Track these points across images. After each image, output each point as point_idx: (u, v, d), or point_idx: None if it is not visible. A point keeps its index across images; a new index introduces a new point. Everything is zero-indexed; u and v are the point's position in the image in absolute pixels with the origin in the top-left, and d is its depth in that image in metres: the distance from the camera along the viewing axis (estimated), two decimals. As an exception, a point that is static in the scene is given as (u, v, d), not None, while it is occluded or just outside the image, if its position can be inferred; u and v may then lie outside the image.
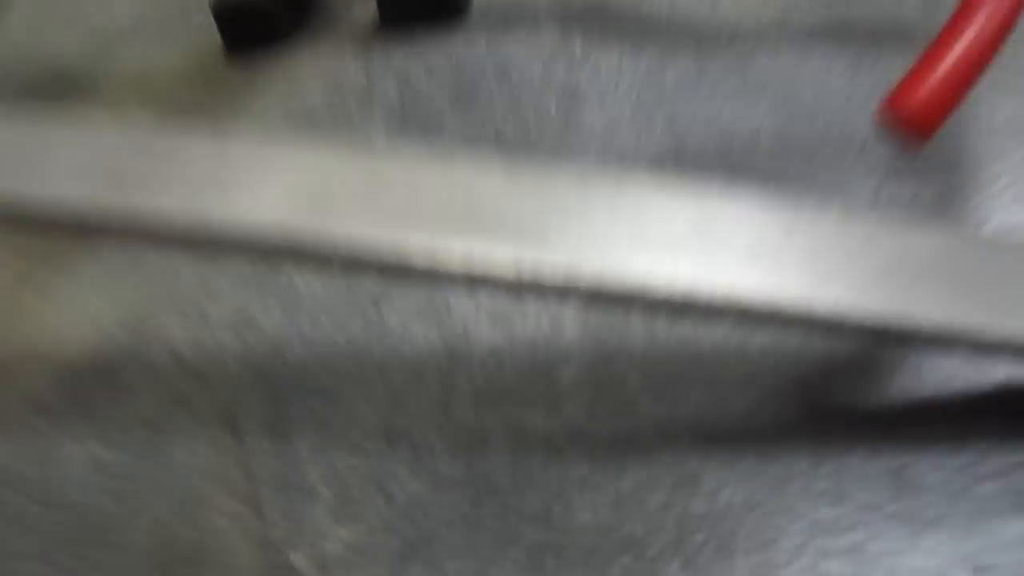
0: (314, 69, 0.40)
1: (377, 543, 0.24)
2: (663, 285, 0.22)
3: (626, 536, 0.24)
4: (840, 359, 0.27)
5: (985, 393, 0.25)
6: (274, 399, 0.29)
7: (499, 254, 0.22)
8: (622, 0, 0.39)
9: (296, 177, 0.23)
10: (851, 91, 0.33)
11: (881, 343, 0.26)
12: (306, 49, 0.41)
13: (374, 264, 0.23)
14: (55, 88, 0.44)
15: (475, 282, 0.23)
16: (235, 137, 0.25)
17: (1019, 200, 0.29)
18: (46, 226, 0.25)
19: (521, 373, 0.28)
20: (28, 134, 0.26)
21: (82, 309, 0.31)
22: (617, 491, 0.24)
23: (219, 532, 0.25)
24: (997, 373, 0.25)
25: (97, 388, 0.29)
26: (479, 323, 0.29)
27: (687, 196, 0.24)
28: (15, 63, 0.47)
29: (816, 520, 0.23)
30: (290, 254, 0.23)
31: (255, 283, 0.31)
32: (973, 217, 0.30)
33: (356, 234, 0.23)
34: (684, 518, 0.24)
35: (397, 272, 0.23)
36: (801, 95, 0.33)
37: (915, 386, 0.26)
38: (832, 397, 0.26)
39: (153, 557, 0.25)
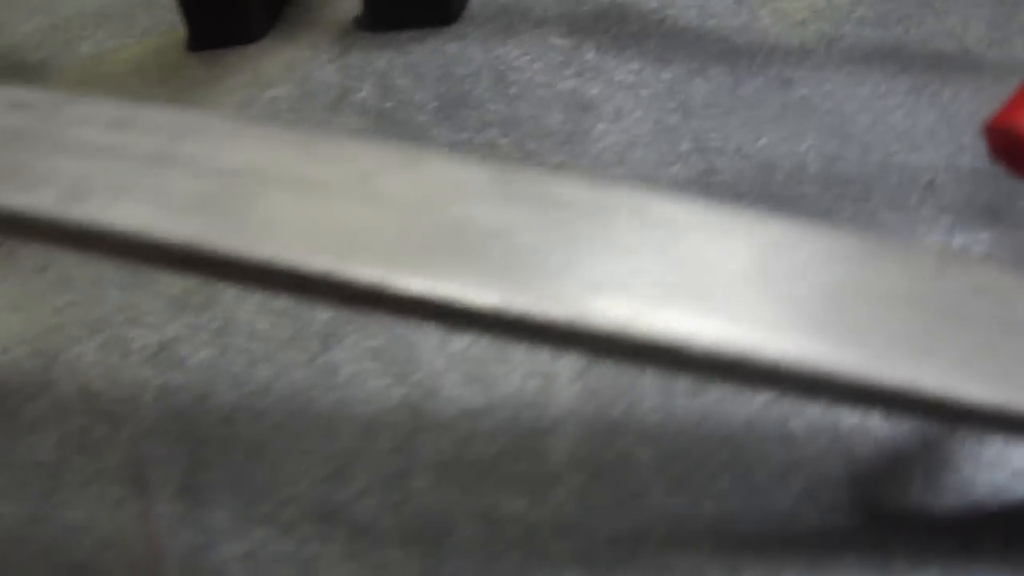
0: (283, 67, 0.35)
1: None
2: (686, 340, 0.17)
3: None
4: (911, 445, 0.21)
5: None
6: (193, 452, 0.23)
7: (476, 289, 0.17)
8: (643, 5, 0.33)
9: (209, 167, 0.17)
10: (913, 121, 0.28)
11: (967, 427, 0.21)
12: (278, 46, 0.36)
13: (300, 288, 0.18)
14: (6, 77, 0.39)
15: (444, 322, 0.18)
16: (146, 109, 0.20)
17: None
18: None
19: (499, 444, 0.22)
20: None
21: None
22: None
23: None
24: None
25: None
26: (450, 376, 0.23)
27: (725, 223, 0.18)
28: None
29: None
30: (196, 268, 0.18)
31: (190, 312, 0.26)
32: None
33: (283, 248, 0.17)
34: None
35: (338, 302, 0.18)
36: (854, 122, 0.28)
37: (1007, 483, 0.20)
38: (898, 494, 0.21)
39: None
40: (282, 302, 0.26)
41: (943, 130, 0.28)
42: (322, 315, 0.25)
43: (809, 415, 0.21)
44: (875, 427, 0.21)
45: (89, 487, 0.23)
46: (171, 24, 0.39)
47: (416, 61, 0.33)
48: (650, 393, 0.22)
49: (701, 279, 0.17)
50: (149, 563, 0.21)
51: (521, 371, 0.23)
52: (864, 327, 0.17)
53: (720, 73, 0.30)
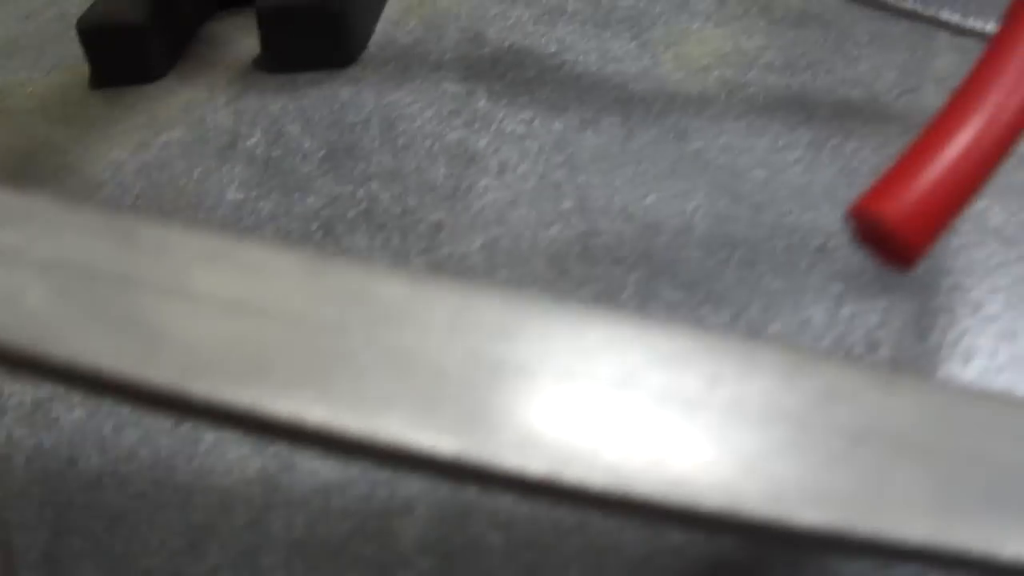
0: (180, 109, 0.34)
1: None
2: (521, 466, 0.15)
3: None
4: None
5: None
6: (57, 517, 0.22)
7: (271, 398, 0.16)
8: (543, 49, 0.32)
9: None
10: (810, 178, 0.26)
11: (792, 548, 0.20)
12: (177, 87, 0.35)
13: (108, 393, 0.17)
14: None
15: (247, 432, 0.17)
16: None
17: (1006, 337, 0.23)
18: None
19: (351, 523, 0.21)
20: None
21: None
22: None
23: None
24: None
25: None
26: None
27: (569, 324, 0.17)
28: None
29: None
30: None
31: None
32: (950, 355, 0.23)
33: (89, 353, 0.16)
34: None
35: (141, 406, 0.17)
36: (748, 179, 0.27)
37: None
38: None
39: None
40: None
41: (841, 188, 0.26)
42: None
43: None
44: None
45: None
46: (78, 58, 0.38)
47: (308, 106, 0.32)
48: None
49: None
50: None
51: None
52: (700, 441, 0.16)
53: (613, 124, 0.28)
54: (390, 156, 0.29)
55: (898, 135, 0.28)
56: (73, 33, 0.41)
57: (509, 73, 0.31)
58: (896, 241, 0.17)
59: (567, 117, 0.29)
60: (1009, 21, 0.19)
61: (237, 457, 0.23)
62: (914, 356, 0.23)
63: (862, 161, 0.27)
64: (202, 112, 0.33)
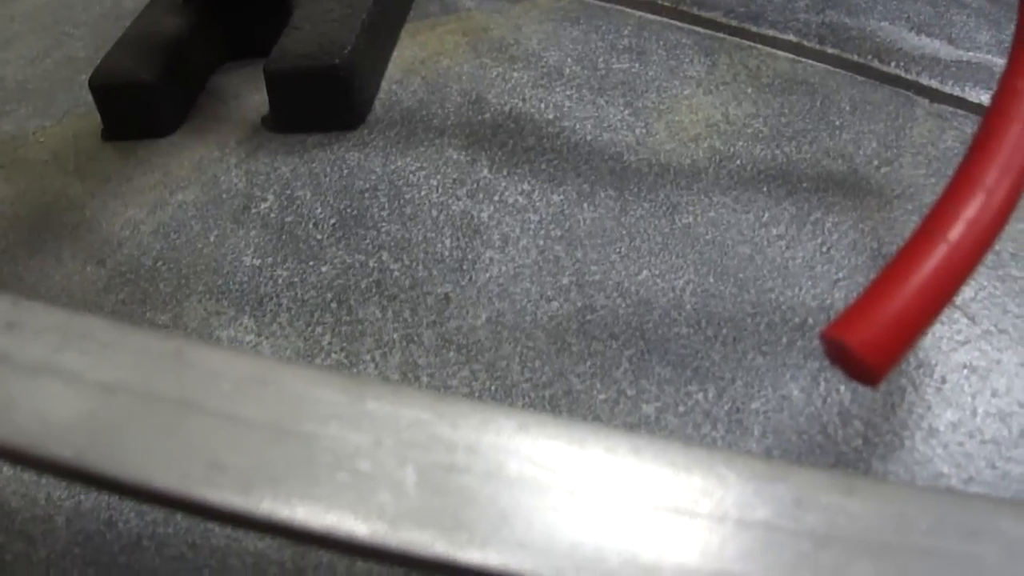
0: (193, 168, 0.35)
1: None
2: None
3: None
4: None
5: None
6: (101, 573, 0.24)
7: (321, 514, 0.18)
8: (541, 116, 0.34)
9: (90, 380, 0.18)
10: (792, 254, 0.28)
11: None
12: (189, 143, 0.36)
13: (169, 506, 0.18)
14: None
15: (300, 543, 0.18)
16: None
17: (967, 413, 0.24)
18: None
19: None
20: None
21: None
22: None
23: None
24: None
25: None
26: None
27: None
28: None
29: None
30: (80, 482, 0.19)
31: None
32: (916, 430, 0.25)
33: (152, 471, 0.18)
34: None
35: (207, 519, 0.19)
36: (733, 253, 0.28)
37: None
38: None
39: None
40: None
41: (820, 264, 0.28)
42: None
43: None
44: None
45: None
46: (88, 106, 0.39)
47: (318, 170, 0.33)
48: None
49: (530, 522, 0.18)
50: None
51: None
52: (688, 548, 0.18)
53: (609, 197, 0.30)
54: (399, 225, 0.30)
55: (876, 209, 0.30)
56: (81, 79, 0.42)
57: (510, 141, 0.32)
58: (862, 365, 0.19)
59: (565, 189, 0.31)
60: (978, 140, 0.21)
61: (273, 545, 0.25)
62: (883, 432, 0.25)
63: (841, 236, 0.29)
64: (215, 172, 0.34)
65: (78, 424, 0.18)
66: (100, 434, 0.18)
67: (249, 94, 0.38)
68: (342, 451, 0.18)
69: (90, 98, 0.38)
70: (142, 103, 0.36)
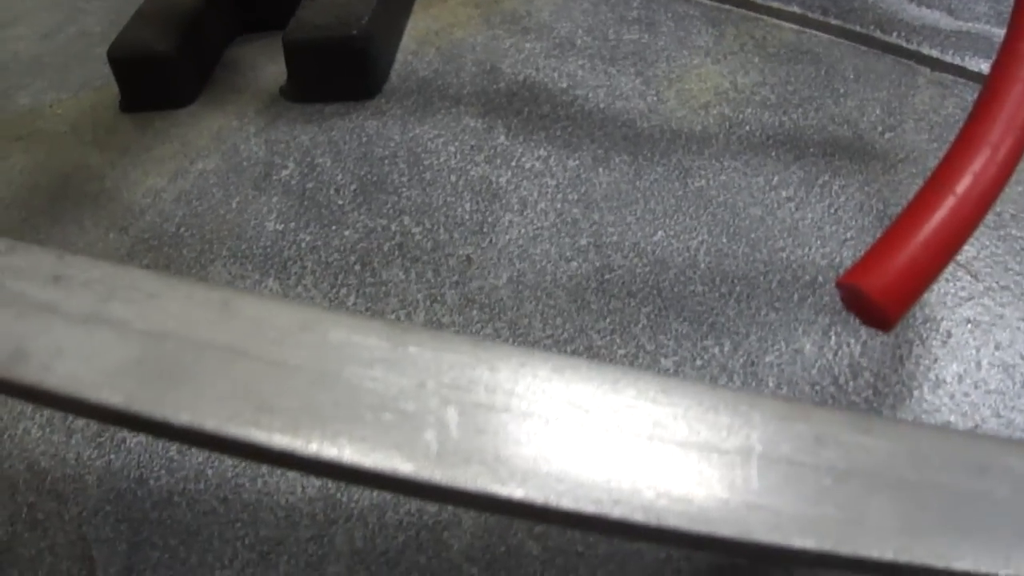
0: (212, 137, 0.36)
1: None
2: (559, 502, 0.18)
3: None
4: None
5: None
6: (133, 532, 0.25)
7: (367, 453, 0.18)
8: (554, 85, 0.34)
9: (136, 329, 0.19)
10: (801, 215, 0.29)
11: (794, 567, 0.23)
12: (207, 114, 0.37)
13: (218, 448, 0.19)
14: None
15: (344, 480, 0.19)
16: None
17: (972, 365, 0.25)
18: None
19: (406, 535, 0.24)
20: None
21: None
22: None
23: None
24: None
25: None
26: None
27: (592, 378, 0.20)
28: None
29: None
30: (129, 426, 0.19)
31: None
32: (923, 381, 0.26)
33: (201, 413, 0.19)
34: None
35: (253, 460, 0.19)
36: (745, 215, 0.29)
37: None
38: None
39: None
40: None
41: (829, 225, 0.29)
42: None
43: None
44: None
45: (40, 563, 0.24)
46: (104, 79, 0.40)
47: (338, 138, 0.34)
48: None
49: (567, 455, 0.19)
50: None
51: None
52: (715, 482, 0.19)
53: (623, 162, 0.31)
54: (419, 191, 0.31)
55: (881, 172, 0.31)
56: (97, 52, 0.43)
57: (525, 109, 0.33)
58: (876, 310, 0.20)
59: (580, 155, 0.31)
60: (982, 100, 0.22)
61: (298, 477, 0.25)
62: (892, 383, 0.26)
63: (848, 198, 0.30)
64: (234, 141, 0.35)
65: (127, 371, 0.19)
66: (149, 380, 0.19)
67: (265, 65, 0.38)
68: (386, 393, 0.19)
69: (107, 71, 0.39)
70: (160, 75, 0.37)
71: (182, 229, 0.32)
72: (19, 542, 0.24)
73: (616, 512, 0.18)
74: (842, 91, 0.34)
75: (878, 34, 0.37)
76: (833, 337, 0.27)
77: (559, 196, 0.30)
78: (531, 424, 0.19)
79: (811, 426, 0.20)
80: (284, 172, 0.33)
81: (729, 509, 0.19)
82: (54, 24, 0.46)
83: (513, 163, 0.31)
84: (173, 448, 0.26)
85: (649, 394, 0.20)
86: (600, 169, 0.31)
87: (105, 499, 0.25)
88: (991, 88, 0.23)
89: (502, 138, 0.32)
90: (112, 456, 0.26)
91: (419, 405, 0.19)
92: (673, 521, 0.19)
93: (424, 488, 0.18)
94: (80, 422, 0.27)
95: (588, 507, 0.18)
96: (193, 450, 0.27)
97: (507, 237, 0.29)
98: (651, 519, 0.19)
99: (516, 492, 0.18)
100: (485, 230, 0.30)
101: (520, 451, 0.19)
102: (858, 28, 0.37)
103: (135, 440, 0.27)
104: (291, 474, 0.26)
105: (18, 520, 0.25)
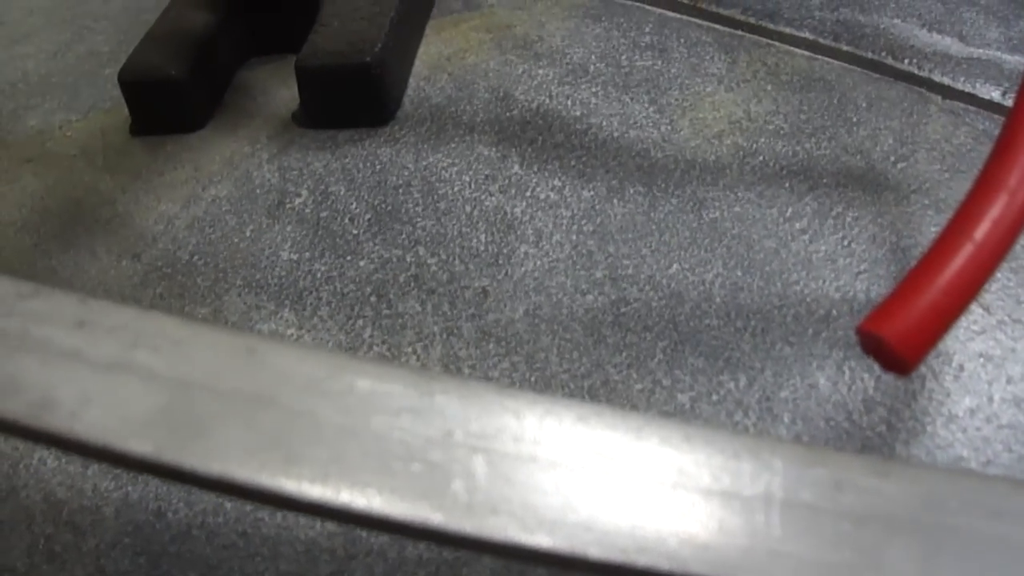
0: (224, 163, 0.36)
1: None
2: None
3: None
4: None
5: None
6: (152, 565, 0.25)
7: (398, 504, 0.19)
8: (568, 113, 0.34)
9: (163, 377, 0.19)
10: (815, 248, 0.29)
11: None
12: (218, 139, 0.37)
13: (248, 498, 0.19)
14: None
15: (377, 530, 0.19)
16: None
17: (984, 399, 0.26)
18: None
19: (426, 572, 0.24)
20: None
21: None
22: None
23: None
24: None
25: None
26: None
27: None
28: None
29: None
30: (156, 475, 0.19)
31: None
32: (936, 416, 0.26)
33: (231, 463, 0.19)
34: None
35: (284, 509, 0.19)
36: (759, 247, 0.29)
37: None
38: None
39: None
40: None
41: (842, 257, 0.29)
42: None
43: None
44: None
45: None
46: (114, 100, 0.40)
47: (351, 166, 0.34)
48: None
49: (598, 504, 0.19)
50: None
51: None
52: (737, 529, 0.19)
53: (638, 193, 0.31)
54: (433, 221, 0.31)
55: (893, 204, 0.31)
56: (106, 73, 0.43)
57: (539, 137, 0.33)
58: (896, 357, 0.20)
59: (595, 185, 0.32)
60: (1000, 144, 0.22)
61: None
62: (905, 418, 0.26)
63: (861, 229, 0.30)
64: (247, 167, 0.35)
65: (155, 419, 0.19)
66: (177, 429, 0.19)
67: (276, 89, 0.38)
68: (414, 443, 0.19)
69: (116, 92, 0.39)
70: (171, 98, 0.37)
71: (195, 257, 0.32)
72: (37, 574, 0.24)
73: (642, 560, 0.19)
74: (855, 120, 0.34)
75: (889, 60, 0.37)
76: (847, 372, 0.27)
77: (574, 228, 0.30)
78: (557, 473, 0.19)
79: (830, 471, 0.20)
80: (298, 200, 0.33)
81: (751, 556, 0.19)
82: (62, 43, 0.45)
83: (528, 193, 0.32)
84: None
85: (673, 441, 0.20)
86: (615, 200, 0.31)
87: (123, 532, 0.25)
88: (1010, 132, 0.23)
89: (516, 167, 0.32)
90: (129, 488, 0.26)
91: (446, 455, 0.19)
92: (697, 568, 0.19)
93: (453, 538, 0.18)
94: None
95: (615, 556, 0.18)
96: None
97: (523, 269, 0.30)
98: (676, 567, 0.19)
99: (544, 541, 0.18)
100: (501, 262, 0.30)
101: (547, 500, 0.19)
102: (869, 55, 0.37)
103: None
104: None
105: (35, 552, 0.25)
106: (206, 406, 0.19)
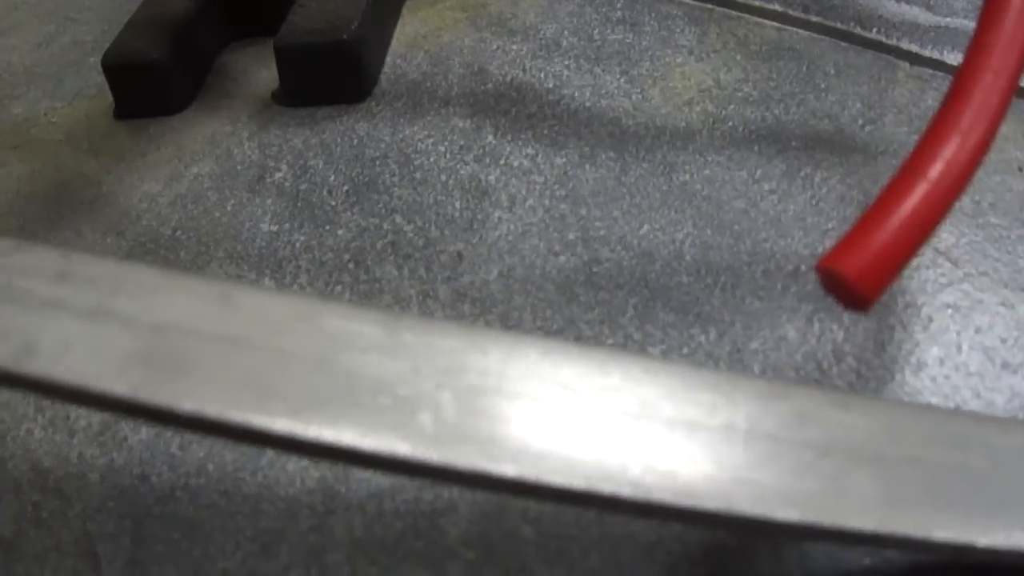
0: (206, 142, 0.36)
1: None
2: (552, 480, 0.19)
3: None
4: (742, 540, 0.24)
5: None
6: (136, 527, 0.25)
7: (362, 436, 0.19)
8: (541, 84, 0.35)
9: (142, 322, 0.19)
10: (784, 207, 0.30)
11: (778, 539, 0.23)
12: (200, 119, 0.38)
13: (221, 434, 0.20)
14: None
15: (343, 463, 0.20)
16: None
17: (953, 349, 0.26)
18: None
19: (404, 523, 0.25)
20: None
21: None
22: None
23: None
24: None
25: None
26: (361, 461, 0.26)
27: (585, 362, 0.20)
28: None
29: None
30: (136, 416, 0.20)
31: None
32: (905, 365, 0.27)
33: (205, 400, 0.19)
34: None
35: (257, 445, 0.20)
36: (729, 208, 0.30)
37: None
38: (745, 569, 0.23)
39: None
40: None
41: (810, 216, 0.30)
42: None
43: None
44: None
45: (46, 560, 0.25)
46: (98, 87, 0.41)
47: (329, 141, 0.35)
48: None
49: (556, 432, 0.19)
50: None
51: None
52: (701, 457, 0.19)
53: (609, 159, 0.32)
54: (410, 190, 0.32)
55: (861, 164, 0.32)
56: (90, 61, 0.44)
57: (513, 109, 0.34)
58: (854, 292, 0.21)
59: (567, 152, 0.32)
60: (952, 90, 0.23)
61: (297, 469, 0.26)
62: (874, 367, 0.27)
63: (830, 189, 0.31)
64: (228, 145, 0.36)
65: (133, 362, 0.19)
66: (154, 371, 0.19)
67: (257, 71, 0.39)
68: (382, 378, 0.19)
69: (100, 79, 0.39)
70: (153, 82, 0.37)
71: (178, 232, 0.33)
72: (25, 540, 0.25)
73: (605, 488, 0.19)
74: (823, 86, 0.35)
75: (858, 30, 0.38)
76: (816, 324, 0.27)
77: (547, 193, 0.31)
78: (522, 405, 0.19)
79: (792, 404, 0.21)
80: (278, 175, 0.34)
81: (715, 483, 0.19)
82: (47, 34, 0.46)
83: (501, 162, 0.32)
84: (175, 444, 0.27)
85: (635, 375, 0.20)
86: (587, 166, 0.32)
87: (108, 496, 0.26)
88: (961, 78, 0.23)
89: (490, 138, 0.33)
90: (114, 454, 0.27)
91: (414, 389, 0.19)
92: (660, 496, 0.19)
93: (420, 468, 0.19)
94: (82, 422, 0.28)
95: (578, 483, 0.19)
96: (194, 446, 0.27)
97: (496, 233, 0.30)
98: (639, 494, 0.19)
99: (508, 470, 0.19)
100: (475, 227, 0.30)
101: (511, 431, 0.19)
102: (838, 25, 0.38)
103: (137, 438, 0.27)
104: (291, 467, 0.26)
105: (23, 519, 0.25)
106: (182, 348, 0.20)
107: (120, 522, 0.26)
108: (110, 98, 0.39)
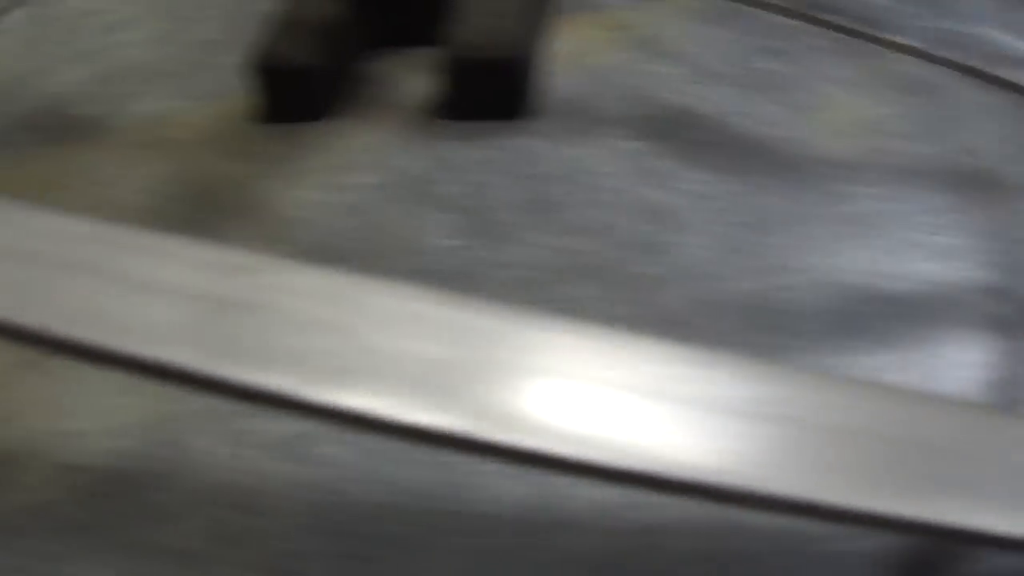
0: (362, 151, 0.36)
1: None
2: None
3: None
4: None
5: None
6: (334, 545, 0.24)
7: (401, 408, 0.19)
8: (700, 114, 0.36)
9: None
10: (944, 239, 0.31)
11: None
12: (351, 128, 0.37)
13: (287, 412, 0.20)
14: (54, 130, 0.39)
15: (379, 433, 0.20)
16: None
17: None
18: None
19: (622, 541, 0.24)
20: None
21: (98, 405, 0.27)
22: None
23: None
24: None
25: (120, 504, 0.25)
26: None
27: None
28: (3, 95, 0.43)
29: None
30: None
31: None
32: None
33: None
34: None
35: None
36: (896, 238, 0.31)
37: None
38: None
39: None
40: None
41: (970, 248, 0.31)
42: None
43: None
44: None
45: None
46: (230, 88, 0.39)
47: (498, 157, 0.35)
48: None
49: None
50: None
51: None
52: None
53: (777, 187, 0.33)
54: (584, 210, 0.33)
55: (1010, 200, 0.33)
56: (219, 60, 0.42)
57: (678, 133, 0.35)
58: None
59: (738, 179, 0.33)
60: None
61: (501, 483, 0.25)
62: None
63: (982, 224, 0.32)
64: (388, 156, 0.36)
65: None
66: (188, 336, 0.20)
67: (406, 81, 0.39)
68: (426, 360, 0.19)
69: (233, 81, 0.38)
70: (305, 87, 0.38)
71: (341, 241, 0.33)
72: (216, 558, 0.24)
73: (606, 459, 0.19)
74: (963, 122, 0.36)
75: (989, 69, 0.39)
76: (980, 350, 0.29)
77: (722, 219, 0.32)
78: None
79: (768, 385, 0.20)
80: (447, 188, 0.34)
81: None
82: (165, 31, 0.45)
83: (671, 185, 0.33)
84: (364, 458, 0.26)
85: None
86: (758, 193, 0.33)
87: (301, 512, 0.25)
88: None
89: (659, 161, 0.34)
90: (302, 469, 0.26)
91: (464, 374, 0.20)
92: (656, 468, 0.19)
93: (463, 443, 0.19)
94: (271, 437, 0.26)
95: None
96: (380, 462, 0.26)
97: (674, 257, 0.31)
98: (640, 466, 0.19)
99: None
100: (653, 250, 0.32)
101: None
102: (973, 63, 0.39)
103: (328, 452, 0.26)
104: (493, 480, 0.25)
105: (208, 532, 0.24)
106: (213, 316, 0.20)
107: (319, 539, 0.25)
108: (245, 100, 0.39)
